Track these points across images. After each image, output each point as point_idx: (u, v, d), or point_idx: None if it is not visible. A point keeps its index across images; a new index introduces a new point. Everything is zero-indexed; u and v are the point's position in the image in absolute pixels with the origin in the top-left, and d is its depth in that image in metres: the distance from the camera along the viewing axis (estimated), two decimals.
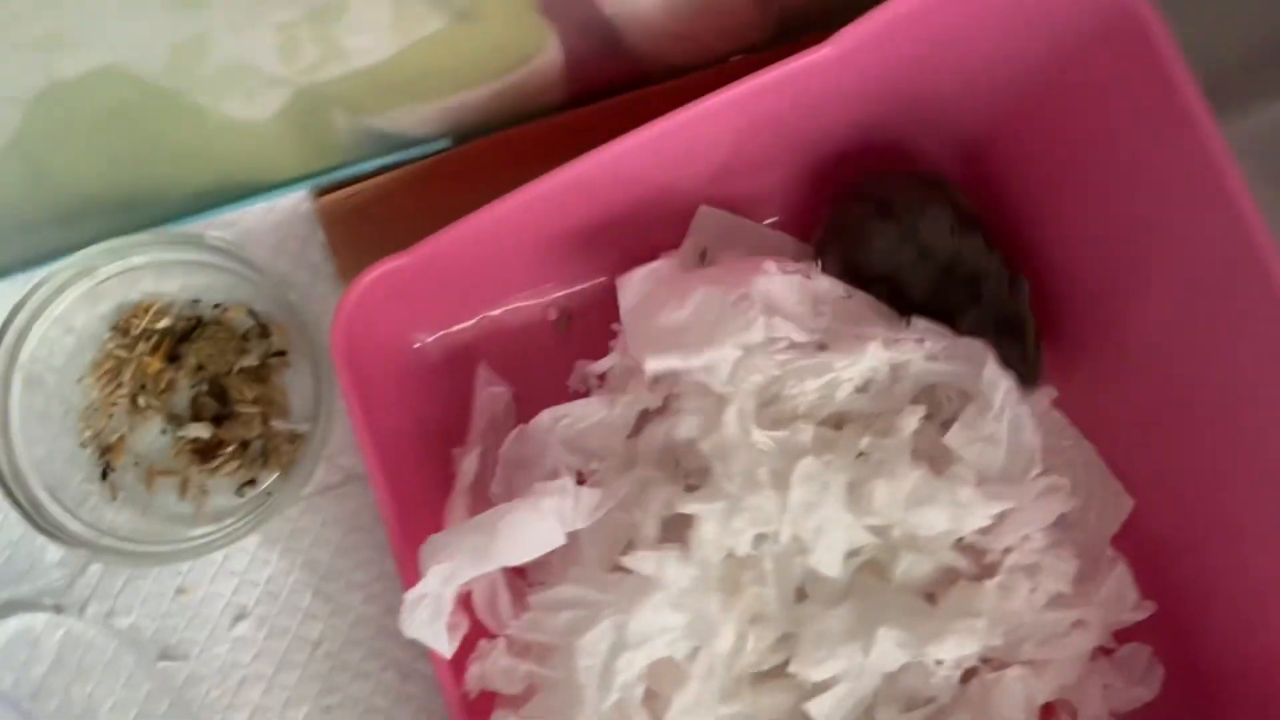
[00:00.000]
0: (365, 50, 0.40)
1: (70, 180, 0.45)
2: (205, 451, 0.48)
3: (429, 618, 0.40)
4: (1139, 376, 0.45)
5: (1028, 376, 0.44)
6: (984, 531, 0.41)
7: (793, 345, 0.42)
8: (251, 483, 0.48)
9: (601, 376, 0.48)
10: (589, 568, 0.41)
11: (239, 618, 0.48)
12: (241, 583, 0.48)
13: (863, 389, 0.43)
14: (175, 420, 0.48)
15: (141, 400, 0.48)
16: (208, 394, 0.49)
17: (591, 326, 0.49)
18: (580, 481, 0.45)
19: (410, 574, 0.41)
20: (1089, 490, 0.46)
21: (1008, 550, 0.42)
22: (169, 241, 0.47)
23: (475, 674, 0.41)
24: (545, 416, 0.44)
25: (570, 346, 0.49)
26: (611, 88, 0.48)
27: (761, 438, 0.41)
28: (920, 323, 0.43)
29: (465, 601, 0.43)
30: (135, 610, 0.48)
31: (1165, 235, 0.41)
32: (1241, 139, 0.49)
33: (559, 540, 0.40)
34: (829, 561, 0.40)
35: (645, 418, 0.45)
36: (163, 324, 0.49)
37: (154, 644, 0.48)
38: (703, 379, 0.42)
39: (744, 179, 0.46)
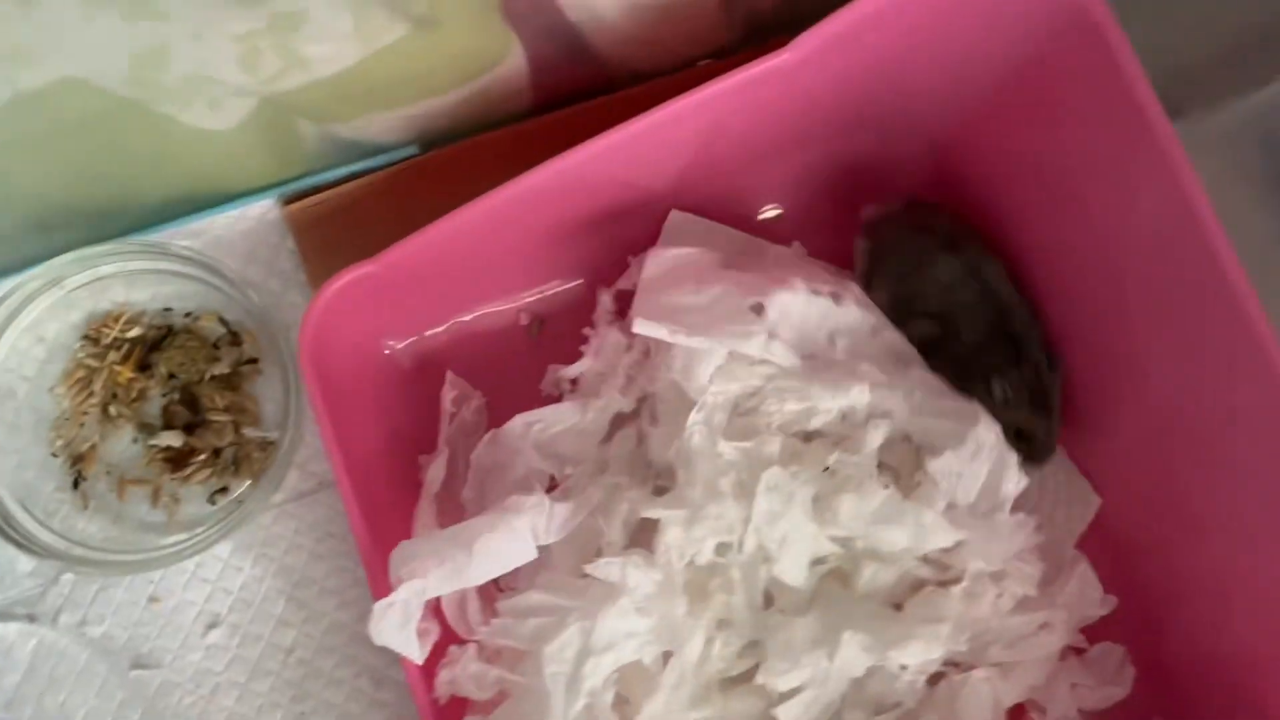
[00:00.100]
0: (327, 59, 0.40)
1: (38, 190, 0.45)
2: (177, 460, 0.48)
3: (398, 625, 0.40)
4: (1104, 378, 0.45)
5: (1043, 452, 0.44)
6: (945, 550, 0.41)
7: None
8: (224, 490, 0.49)
9: (574, 381, 0.48)
10: (557, 574, 0.41)
11: (212, 626, 0.48)
12: (214, 590, 0.48)
13: (840, 419, 0.43)
14: (147, 429, 0.49)
15: (113, 409, 0.48)
16: (179, 402, 0.49)
17: (564, 331, 0.49)
18: (553, 486, 0.45)
19: (380, 582, 0.41)
20: (1056, 488, 0.46)
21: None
22: (137, 250, 0.47)
23: (445, 679, 0.41)
24: (517, 422, 0.44)
25: (542, 351, 0.49)
26: (578, 93, 0.48)
27: (727, 448, 0.41)
28: (925, 376, 0.43)
29: (435, 607, 0.43)
30: (108, 619, 0.48)
31: (1125, 235, 0.41)
32: (1212, 134, 0.50)
33: (531, 555, 0.40)
34: (793, 571, 0.40)
35: (619, 421, 0.46)
36: (134, 333, 0.49)
37: (127, 653, 0.48)
38: (678, 381, 0.42)
39: (709, 183, 0.46)
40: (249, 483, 0.48)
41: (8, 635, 0.47)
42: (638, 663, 0.40)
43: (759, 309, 0.43)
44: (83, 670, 0.47)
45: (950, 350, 0.44)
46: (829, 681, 0.39)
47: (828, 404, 0.42)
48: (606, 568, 0.40)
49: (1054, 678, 0.43)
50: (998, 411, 0.42)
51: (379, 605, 0.40)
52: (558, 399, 0.48)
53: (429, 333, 0.49)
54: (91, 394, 0.48)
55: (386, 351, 0.48)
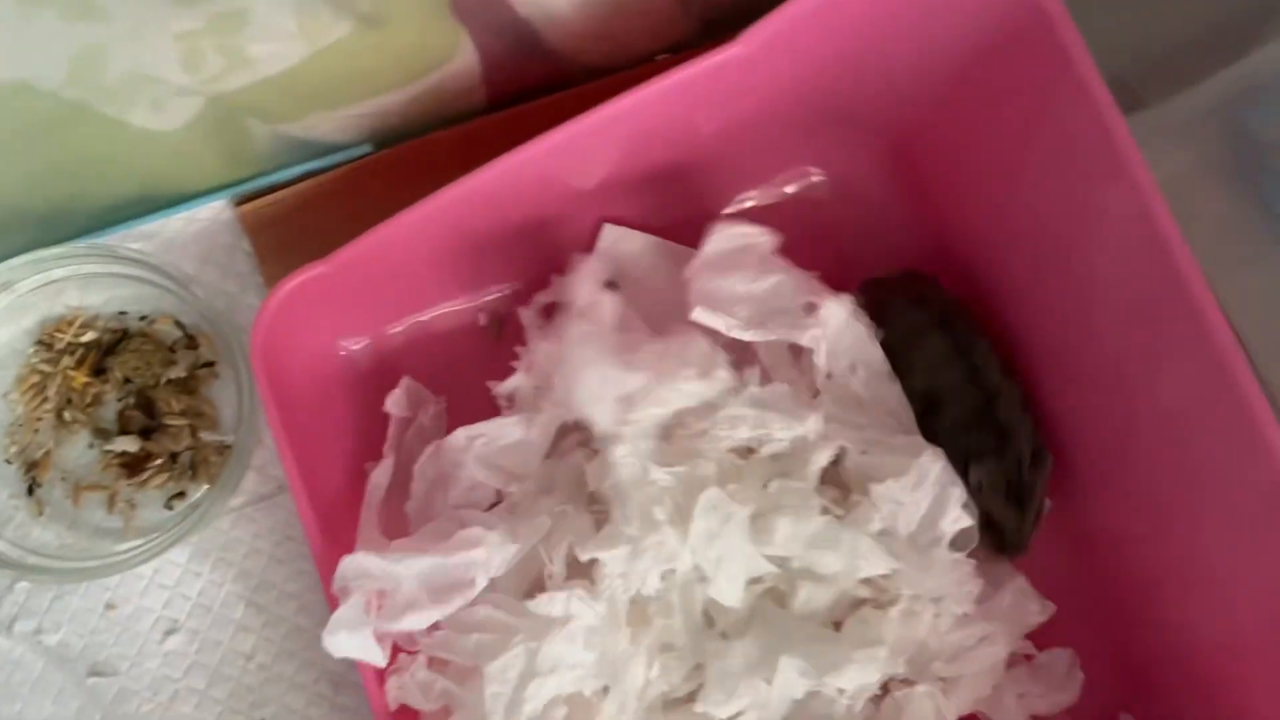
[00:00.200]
0: (272, 58, 0.40)
1: None
2: (133, 465, 0.48)
3: (351, 635, 0.39)
4: (1069, 371, 0.45)
5: (1013, 549, 0.44)
6: (883, 576, 0.41)
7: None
8: (181, 495, 0.48)
9: (510, 396, 0.46)
10: (503, 594, 0.41)
11: (170, 632, 0.48)
12: (172, 597, 0.48)
13: (789, 445, 0.42)
14: (102, 434, 0.48)
15: (67, 414, 0.48)
16: (135, 407, 0.48)
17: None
18: (498, 500, 0.44)
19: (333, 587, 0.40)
20: None
21: None
22: (90, 254, 0.47)
23: (394, 686, 0.41)
24: (460, 435, 0.43)
25: (505, 352, 0.49)
26: (533, 90, 0.48)
27: (660, 474, 0.40)
28: (884, 419, 0.42)
29: None
30: (64, 627, 0.47)
31: (1082, 232, 0.41)
32: (1178, 121, 0.49)
33: (476, 591, 0.40)
34: (729, 591, 0.40)
35: (565, 430, 0.45)
36: (88, 337, 0.48)
37: (83, 660, 0.47)
38: (592, 418, 0.41)
39: (666, 180, 0.46)
40: (206, 487, 0.48)
41: None
42: (579, 693, 0.40)
43: (810, 309, 0.42)
44: (39, 679, 0.47)
45: (933, 429, 0.43)
46: (769, 705, 0.39)
47: (781, 433, 0.41)
48: (550, 603, 0.39)
49: (1001, 688, 0.42)
50: (972, 497, 0.42)
51: (332, 620, 0.39)
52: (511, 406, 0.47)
53: (386, 333, 0.48)
54: (46, 399, 0.48)
55: (343, 353, 0.48)
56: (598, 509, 0.43)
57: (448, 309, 0.49)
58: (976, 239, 0.47)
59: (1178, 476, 0.41)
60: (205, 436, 0.48)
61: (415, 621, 0.40)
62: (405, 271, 0.45)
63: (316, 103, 0.43)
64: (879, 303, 0.45)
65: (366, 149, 0.48)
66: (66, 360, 0.48)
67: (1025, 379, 0.46)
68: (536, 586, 0.42)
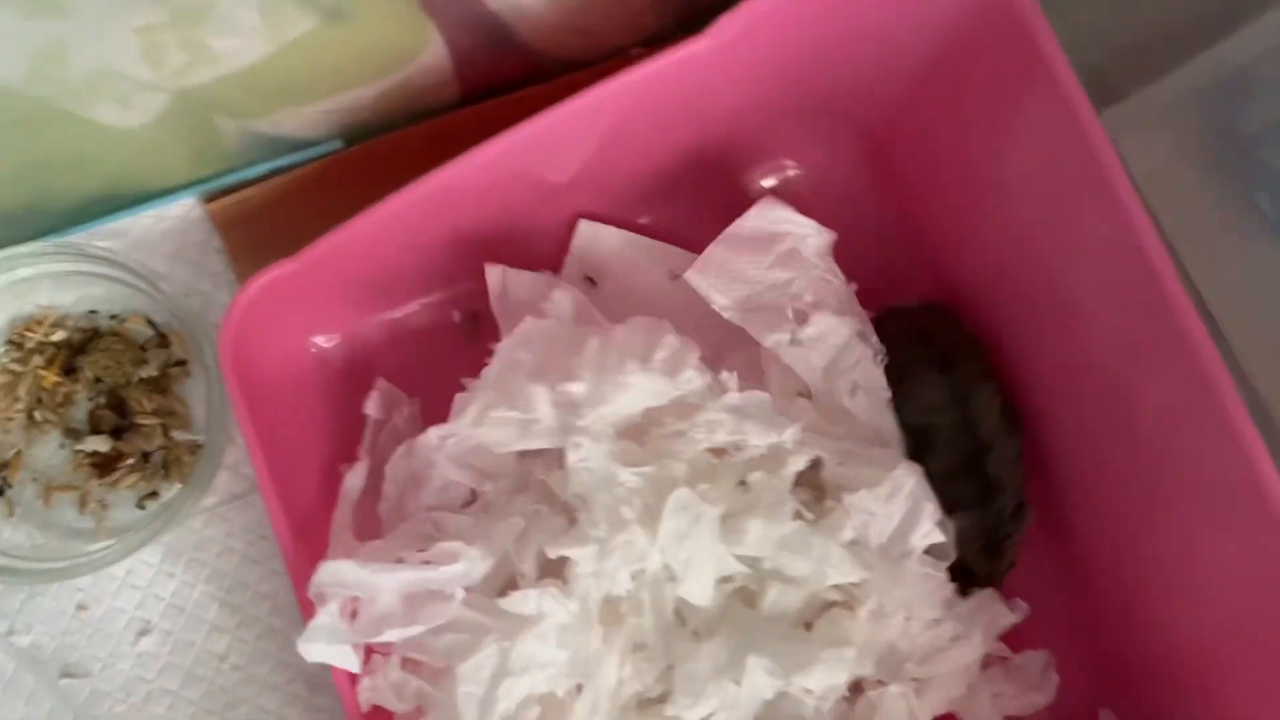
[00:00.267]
0: (236, 53, 0.39)
1: None
2: (104, 465, 0.47)
3: (328, 642, 0.39)
4: (1046, 369, 0.44)
5: (980, 587, 0.43)
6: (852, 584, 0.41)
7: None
8: (153, 495, 0.48)
9: None
10: (475, 594, 0.40)
11: (142, 633, 0.47)
12: (145, 597, 0.47)
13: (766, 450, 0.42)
14: (73, 434, 0.48)
15: (38, 414, 0.47)
16: (106, 406, 0.48)
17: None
18: (472, 499, 0.44)
19: (305, 590, 0.40)
20: None
21: None
22: (58, 252, 0.46)
23: (366, 687, 0.40)
24: (432, 434, 0.42)
25: (479, 348, 0.48)
26: (506, 84, 0.47)
27: (627, 475, 0.40)
28: (863, 429, 0.42)
29: (356, 611, 0.42)
30: (35, 628, 0.47)
31: (1060, 235, 0.40)
32: (1156, 110, 0.49)
33: (454, 605, 0.39)
34: (698, 591, 0.40)
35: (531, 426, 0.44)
36: (58, 336, 0.48)
37: (55, 662, 0.47)
38: (562, 409, 0.41)
39: (628, 177, 0.45)
40: (179, 486, 0.48)
41: None
42: (552, 694, 0.39)
43: (802, 317, 0.42)
44: (10, 680, 0.46)
45: (923, 469, 0.42)
46: (739, 705, 0.39)
47: (757, 440, 0.41)
48: (522, 601, 0.39)
49: (975, 689, 0.42)
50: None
51: (309, 629, 0.39)
52: None
53: (359, 330, 0.48)
54: (16, 399, 0.47)
55: (315, 351, 0.47)
56: (571, 511, 0.43)
57: (422, 305, 0.49)
58: (954, 236, 0.46)
59: (1157, 477, 0.41)
60: (177, 436, 0.48)
61: (392, 635, 0.39)
62: (377, 268, 0.45)
63: (284, 98, 0.43)
64: (882, 333, 0.44)
65: (338, 144, 0.47)
66: (37, 360, 0.47)
67: (999, 375, 0.46)
68: (510, 585, 0.42)
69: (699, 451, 0.41)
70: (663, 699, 0.40)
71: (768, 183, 0.49)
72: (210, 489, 0.47)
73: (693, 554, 0.39)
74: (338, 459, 0.46)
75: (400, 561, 0.41)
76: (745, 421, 0.41)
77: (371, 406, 0.46)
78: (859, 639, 0.39)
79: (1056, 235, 0.41)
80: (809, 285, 0.43)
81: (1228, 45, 0.43)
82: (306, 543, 0.42)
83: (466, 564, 0.40)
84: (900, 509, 0.40)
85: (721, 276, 0.43)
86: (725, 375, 0.42)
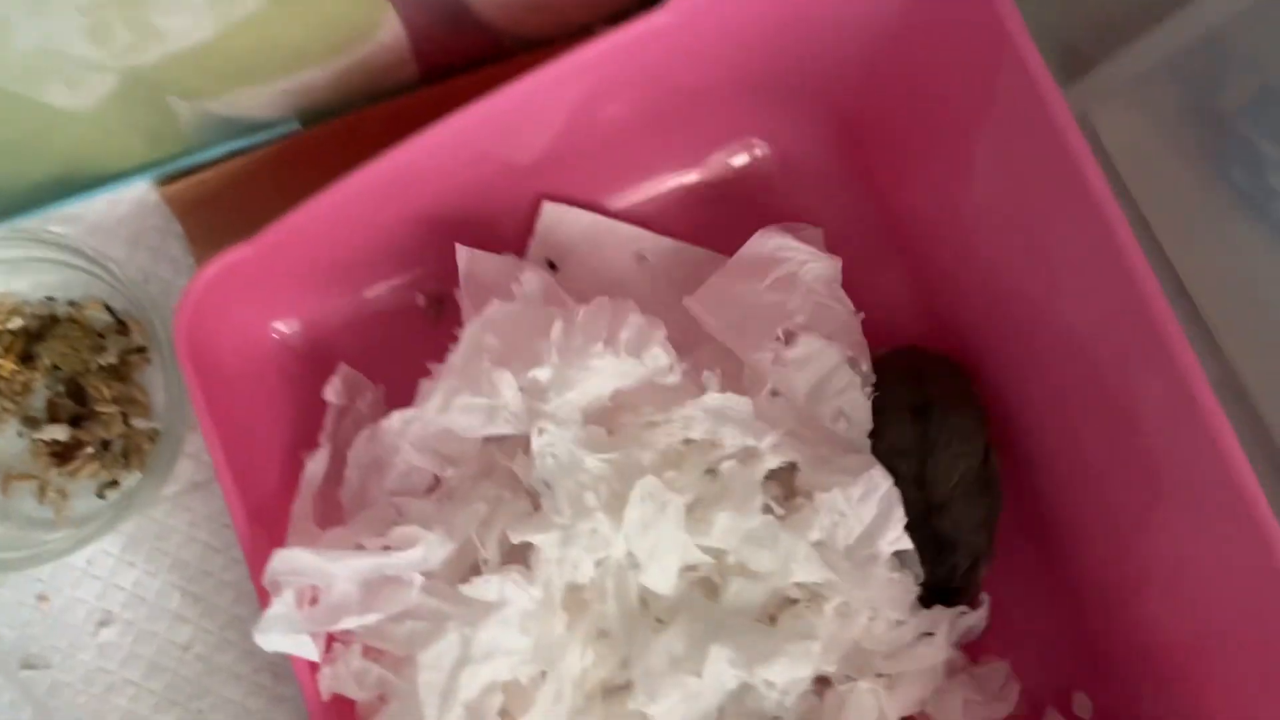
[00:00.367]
0: (184, 31, 0.38)
1: None
2: (63, 454, 0.47)
3: (284, 631, 0.39)
4: (1023, 357, 0.44)
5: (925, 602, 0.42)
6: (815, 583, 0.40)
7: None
8: (114, 484, 0.47)
9: None
10: (436, 581, 0.40)
11: (104, 623, 0.47)
12: (106, 587, 0.47)
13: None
14: (31, 423, 0.47)
15: None
16: (65, 394, 0.47)
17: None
18: (436, 484, 0.43)
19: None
20: None
21: None
22: (12, 237, 0.45)
23: (327, 676, 0.40)
24: (395, 419, 0.42)
25: (444, 333, 0.47)
26: (466, 63, 0.46)
27: (592, 462, 0.39)
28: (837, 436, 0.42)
29: (316, 599, 0.41)
30: None
31: (1013, 201, 0.40)
32: (1127, 77, 0.48)
33: (413, 592, 0.39)
34: (662, 580, 0.39)
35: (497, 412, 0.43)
36: (14, 324, 0.47)
37: (15, 653, 0.46)
38: (528, 394, 0.40)
39: (593, 157, 0.44)
40: (139, 475, 0.47)
41: None
42: (515, 681, 0.39)
43: (790, 338, 0.42)
44: None
45: None
46: (701, 697, 0.38)
47: (733, 441, 0.40)
48: (484, 587, 0.38)
49: (948, 694, 0.42)
50: None
51: (264, 618, 0.38)
52: None
53: (320, 315, 0.47)
54: None
55: (275, 336, 0.47)
56: (535, 494, 0.42)
57: (384, 289, 0.48)
58: (925, 218, 0.46)
59: (1136, 474, 0.40)
60: (137, 423, 0.47)
61: (350, 623, 0.39)
62: (337, 251, 0.44)
63: (237, 78, 0.42)
64: (887, 369, 0.44)
65: (295, 126, 0.46)
66: None
67: (975, 360, 0.45)
68: (473, 572, 0.41)
69: (670, 441, 0.40)
70: (628, 686, 0.40)
71: (736, 162, 0.48)
72: (172, 477, 0.47)
73: (657, 543, 0.38)
74: (300, 446, 0.45)
75: (360, 548, 0.40)
76: (724, 425, 0.40)
77: (332, 392, 0.45)
78: (824, 634, 0.39)
79: (1027, 219, 0.40)
80: (803, 308, 0.43)
81: (1197, 6, 0.42)
82: (267, 531, 0.41)
83: (425, 549, 0.39)
84: (871, 511, 0.40)
85: (716, 300, 0.43)
86: (707, 374, 0.41)
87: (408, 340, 0.48)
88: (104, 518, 0.45)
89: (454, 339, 0.46)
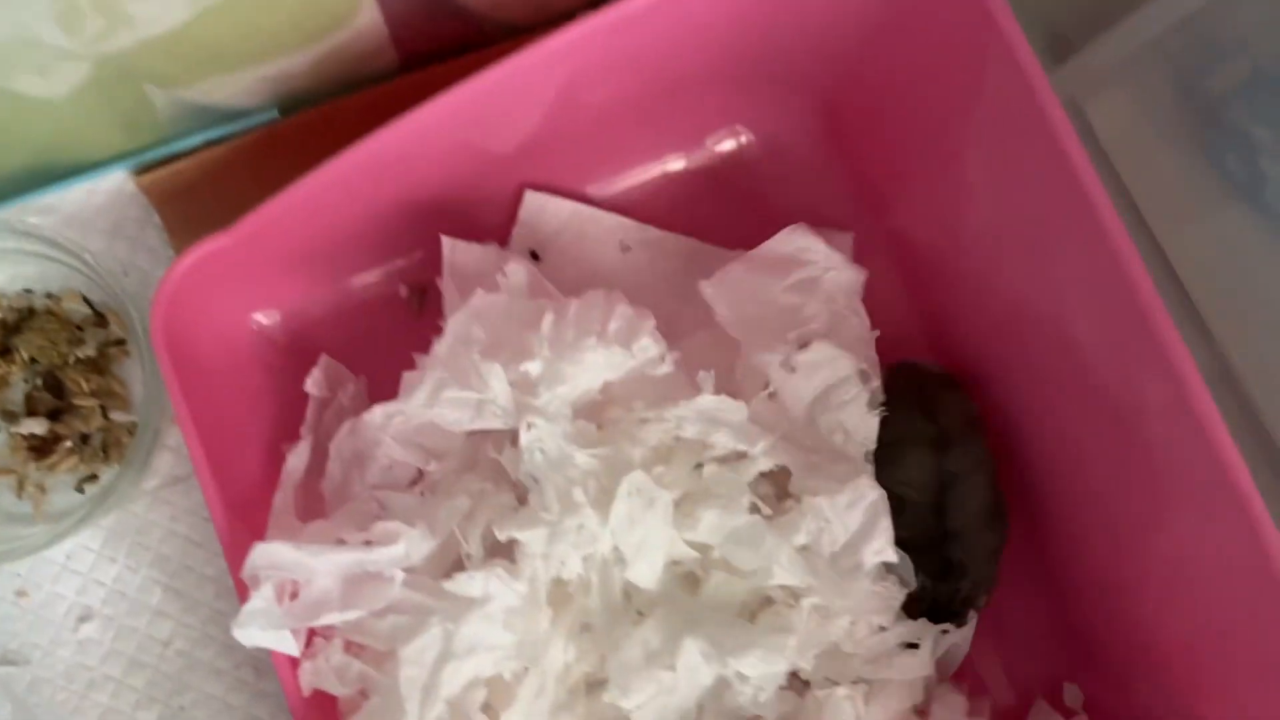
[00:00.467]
0: (155, 16, 0.38)
1: None
2: (42, 448, 0.46)
3: (263, 626, 0.38)
4: (1017, 357, 0.43)
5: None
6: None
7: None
8: (93, 478, 0.46)
9: None
10: (419, 575, 0.39)
11: (84, 619, 0.46)
12: (86, 583, 0.46)
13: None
14: (9, 416, 0.46)
15: None
16: (43, 387, 0.47)
17: None
18: (419, 477, 0.43)
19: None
20: None
21: None
22: None
23: (308, 671, 0.39)
24: (377, 412, 0.41)
25: (427, 324, 0.47)
26: (447, 50, 0.46)
27: (581, 456, 0.39)
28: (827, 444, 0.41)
29: (296, 594, 0.41)
30: None
31: (1007, 193, 0.39)
32: (1114, 60, 0.47)
33: (394, 589, 0.38)
34: (647, 575, 0.38)
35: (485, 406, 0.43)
36: None
37: None
38: (517, 388, 0.40)
39: (576, 145, 0.44)
40: (119, 469, 0.46)
41: None
42: (498, 676, 0.38)
43: (805, 343, 0.41)
44: None
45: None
46: (676, 691, 0.38)
47: (725, 444, 0.40)
48: (467, 583, 0.38)
49: (937, 700, 0.41)
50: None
51: (243, 613, 0.38)
52: None
53: (301, 306, 0.47)
54: None
55: (255, 327, 0.46)
56: (521, 487, 0.41)
57: (366, 280, 0.47)
58: (909, 209, 0.45)
59: (1134, 475, 0.39)
60: (117, 417, 0.47)
61: (330, 619, 0.38)
62: (317, 240, 0.44)
63: (212, 65, 0.41)
64: (892, 390, 0.43)
65: (274, 114, 0.46)
66: None
67: (962, 350, 0.44)
68: (457, 567, 0.40)
69: (661, 438, 0.40)
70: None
71: (723, 148, 0.48)
72: (152, 471, 0.46)
73: (644, 538, 0.38)
74: (281, 439, 0.45)
75: (342, 543, 0.40)
76: (716, 429, 0.40)
77: (313, 384, 0.44)
78: (801, 629, 0.38)
79: (1015, 208, 0.39)
80: (819, 315, 0.42)
81: None
82: (247, 525, 0.41)
83: (406, 545, 0.39)
84: (857, 520, 0.39)
85: (733, 292, 0.42)
86: (702, 375, 0.40)
87: (390, 331, 0.47)
88: (83, 512, 0.45)
89: (437, 330, 0.45)
